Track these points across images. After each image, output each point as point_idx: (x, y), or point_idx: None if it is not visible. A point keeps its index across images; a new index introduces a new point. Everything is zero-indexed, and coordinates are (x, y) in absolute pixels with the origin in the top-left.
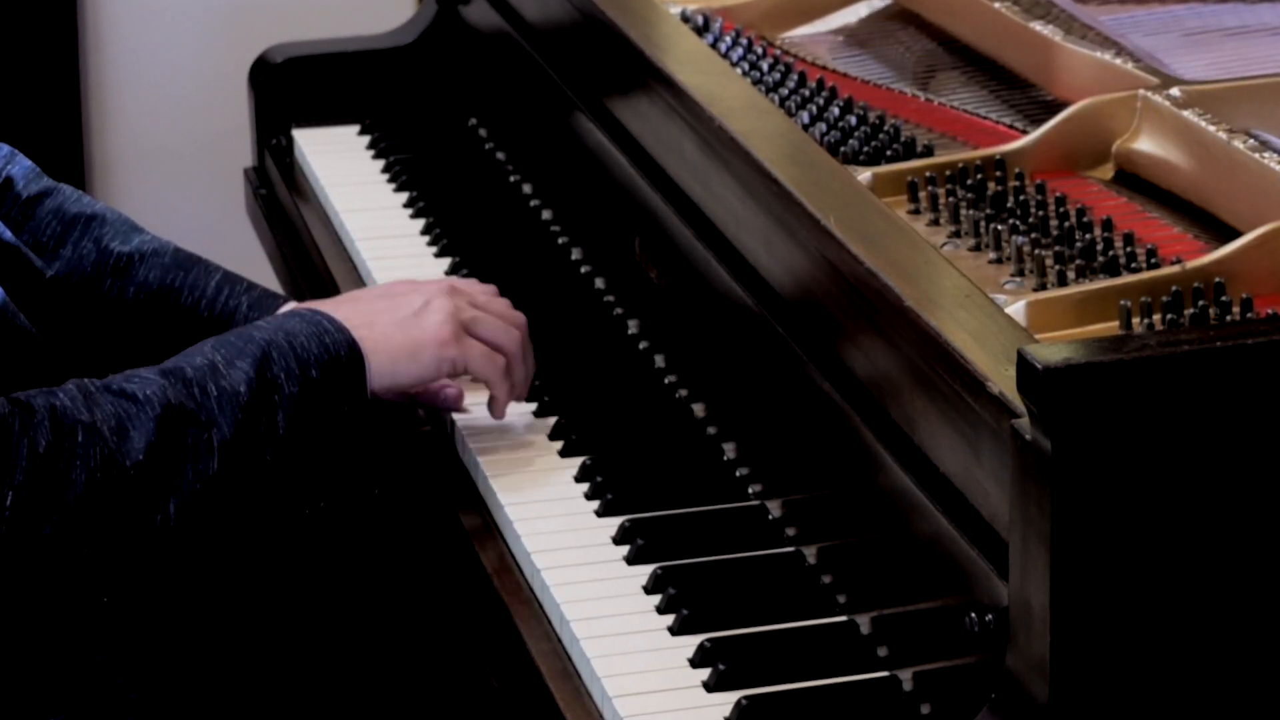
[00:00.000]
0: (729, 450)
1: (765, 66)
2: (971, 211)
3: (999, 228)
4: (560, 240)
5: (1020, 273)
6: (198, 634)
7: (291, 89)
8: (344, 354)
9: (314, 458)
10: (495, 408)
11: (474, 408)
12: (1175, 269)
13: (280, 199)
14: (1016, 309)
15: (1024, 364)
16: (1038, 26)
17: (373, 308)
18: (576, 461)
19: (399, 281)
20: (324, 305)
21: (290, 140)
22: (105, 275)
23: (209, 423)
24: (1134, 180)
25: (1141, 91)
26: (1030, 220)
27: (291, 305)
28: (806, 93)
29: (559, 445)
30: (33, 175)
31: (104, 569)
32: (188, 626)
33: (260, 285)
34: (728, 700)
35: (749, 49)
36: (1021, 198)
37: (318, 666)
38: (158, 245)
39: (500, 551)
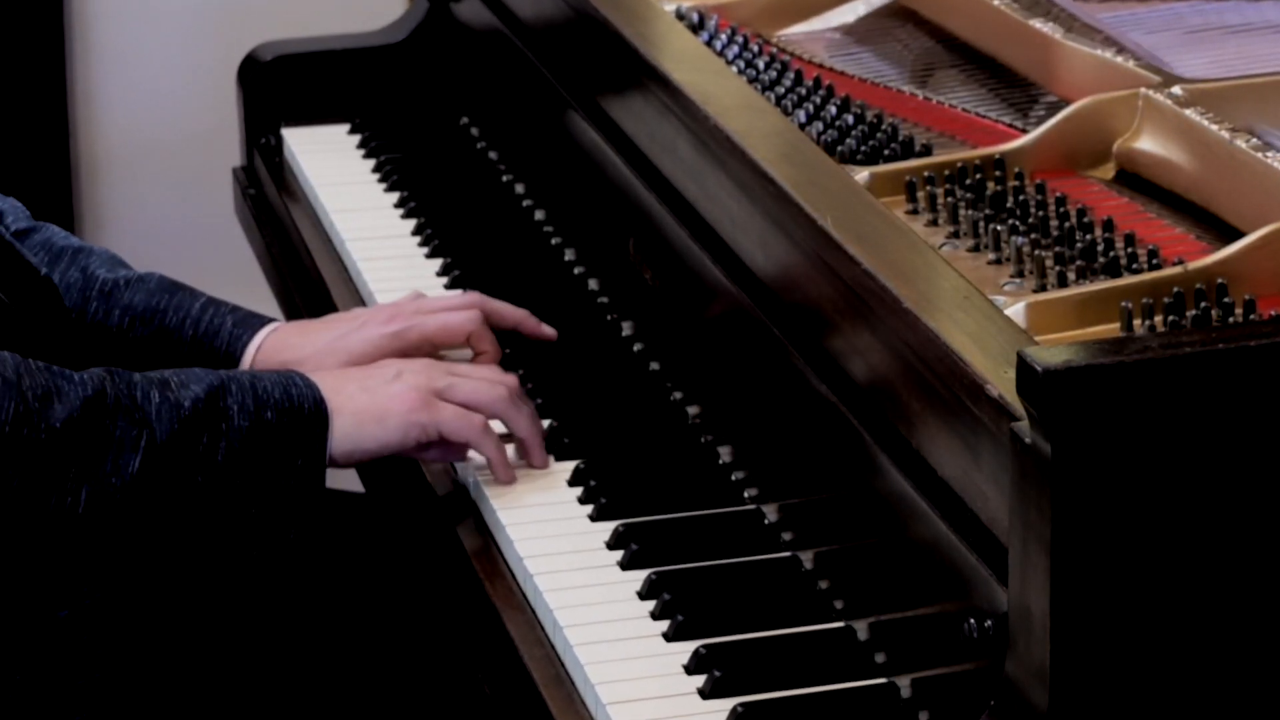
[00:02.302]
0: (724, 454)
1: (761, 64)
2: (970, 211)
3: (998, 228)
4: (553, 241)
5: (1020, 274)
6: (181, 609)
7: (281, 87)
8: (308, 407)
9: (258, 503)
10: (494, 473)
11: None
12: (1177, 270)
13: (269, 199)
14: (1016, 310)
15: (1024, 366)
16: (1038, 24)
17: (345, 374)
18: (570, 466)
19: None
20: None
21: (279, 139)
22: (91, 300)
23: (142, 422)
24: (1135, 180)
25: (1143, 90)
26: (1030, 220)
27: (277, 324)
28: (803, 91)
29: (553, 450)
30: (21, 213)
31: (12, 544)
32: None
33: (244, 308)
34: (723, 707)
35: (745, 47)
36: (1021, 198)
37: (308, 669)
38: (144, 274)
39: (493, 556)
